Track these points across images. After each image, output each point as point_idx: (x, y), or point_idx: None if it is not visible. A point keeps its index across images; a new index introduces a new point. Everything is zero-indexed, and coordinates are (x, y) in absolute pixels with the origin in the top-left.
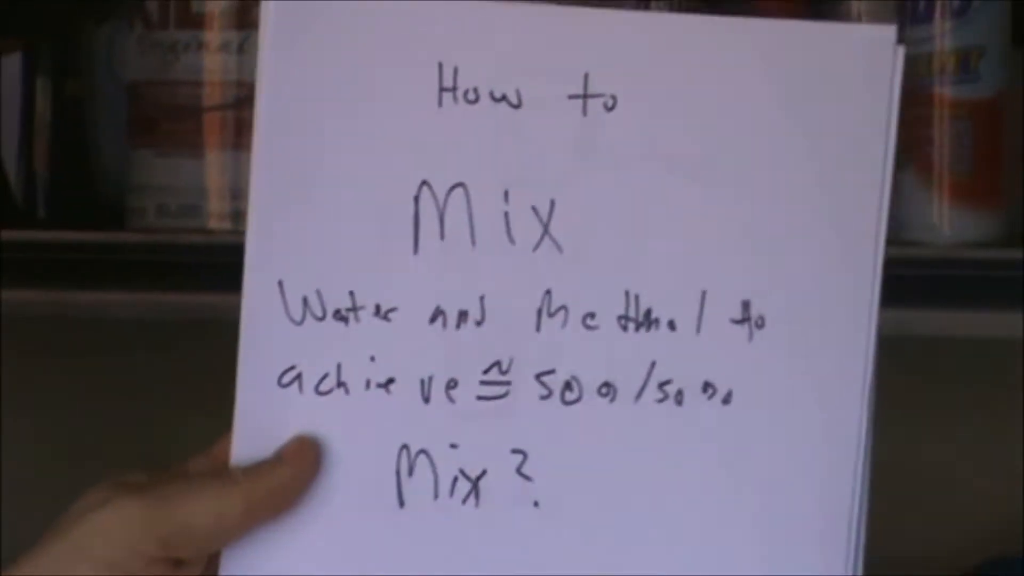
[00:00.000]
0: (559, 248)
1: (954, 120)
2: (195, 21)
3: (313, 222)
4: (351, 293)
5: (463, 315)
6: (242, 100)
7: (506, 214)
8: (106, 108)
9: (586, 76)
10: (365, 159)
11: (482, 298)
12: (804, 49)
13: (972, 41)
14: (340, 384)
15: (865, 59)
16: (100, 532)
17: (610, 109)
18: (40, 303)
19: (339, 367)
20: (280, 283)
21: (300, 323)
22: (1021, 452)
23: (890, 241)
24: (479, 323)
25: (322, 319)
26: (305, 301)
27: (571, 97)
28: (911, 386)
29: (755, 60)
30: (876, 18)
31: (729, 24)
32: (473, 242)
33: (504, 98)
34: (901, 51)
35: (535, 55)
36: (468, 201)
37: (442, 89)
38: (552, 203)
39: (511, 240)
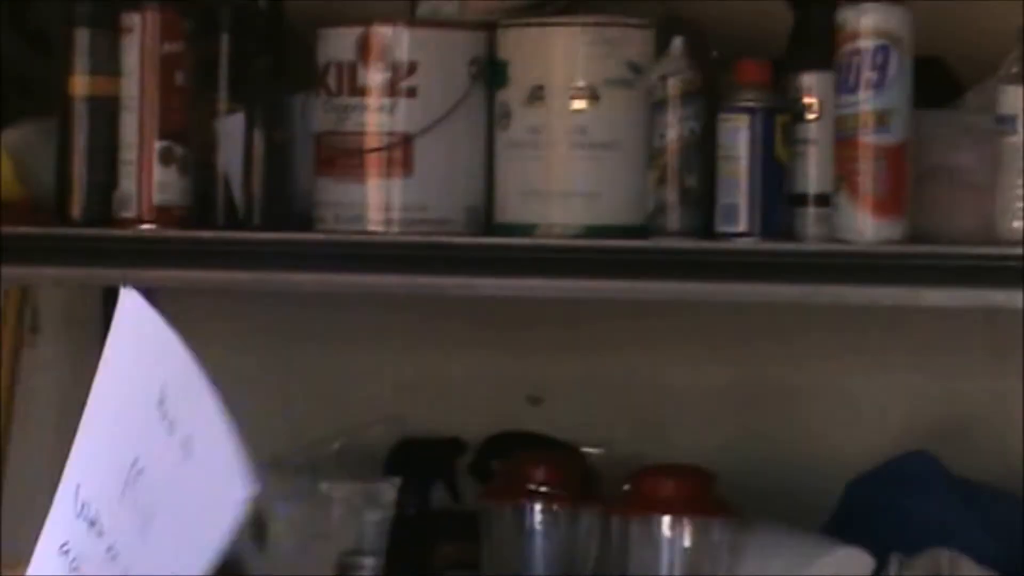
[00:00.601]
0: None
1: (873, 159)
2: (360, 91)
3: (94, 463)
4: (97, 510)
5: (109, 548)
6: (392, 146)
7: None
8: (300, 150)
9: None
10: (117, 436)
11: (113, 543)
12: None
13: (885, 105)
14: (78, 558)
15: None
16: None
17: (170, 434)
18: (253, 282)
19: (81, 550)
20: (77, 487)
21: (77, 517)
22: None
23: (828, 240)
24: (111, 553)
25: (83, 519)
26: (82, 505)
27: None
28: (845, 336)
29: None
30: (822, 91)
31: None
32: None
33: (165, 417)
34: None
35: (178, 385)
36: (140, 476)
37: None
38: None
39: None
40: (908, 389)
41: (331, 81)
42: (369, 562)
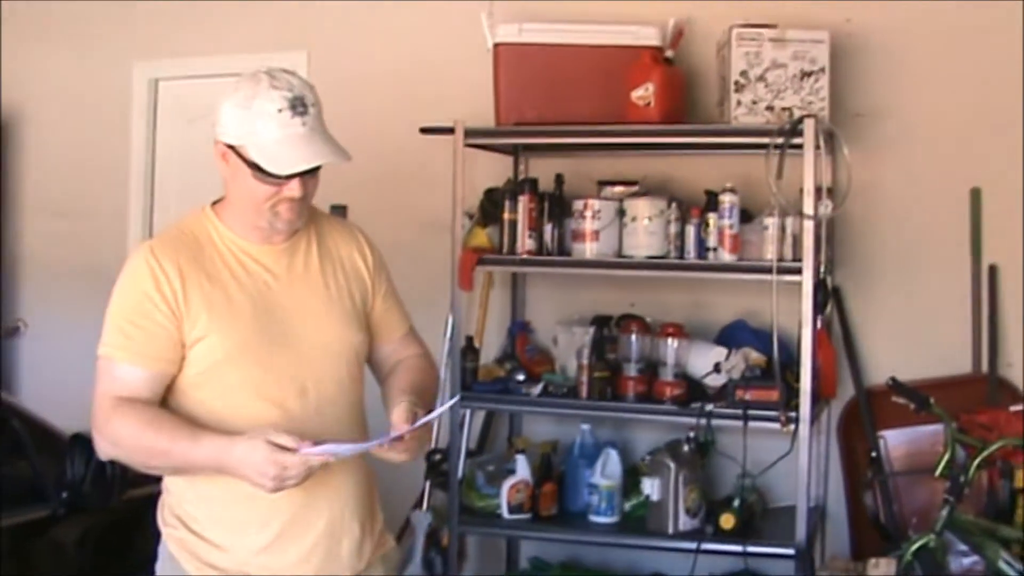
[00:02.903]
0: None
1: (729, 237)
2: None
3: None
4: None
5: None
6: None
7: None
8: (569, 233)
9: None
10: None
11: None
12: None
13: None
14: None
15: None
16: None
17: None
18: (556, 271)
19: None
20: None
21: None
22: None
23: (724, 259)
24: None
25: None
26: None
27: None
28: None
29: None
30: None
31: None
32: None
33: None
34: None
35: None
36: None
37: None
38: None
39: None
40: None
41: (575, 213)
42: (586, 351)
